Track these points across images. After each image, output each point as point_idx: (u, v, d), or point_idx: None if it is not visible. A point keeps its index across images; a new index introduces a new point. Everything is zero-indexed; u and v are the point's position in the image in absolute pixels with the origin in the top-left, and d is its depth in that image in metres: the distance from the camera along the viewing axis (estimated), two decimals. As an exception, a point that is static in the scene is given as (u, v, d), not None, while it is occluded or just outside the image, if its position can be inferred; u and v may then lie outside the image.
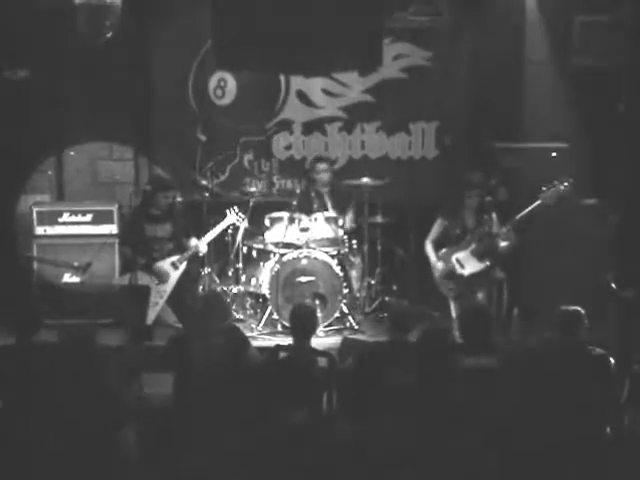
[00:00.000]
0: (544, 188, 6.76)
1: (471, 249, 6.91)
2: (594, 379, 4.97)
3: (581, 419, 4.76)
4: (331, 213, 7.69)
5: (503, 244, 6.84)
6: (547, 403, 4.80)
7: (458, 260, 6.93)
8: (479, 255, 6.89)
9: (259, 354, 5.43)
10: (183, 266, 7.10)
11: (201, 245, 7.17)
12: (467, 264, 6.90)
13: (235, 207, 7.45)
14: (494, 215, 6.96)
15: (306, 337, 5.33)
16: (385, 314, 7.18)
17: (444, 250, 7.05)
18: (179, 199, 7.79)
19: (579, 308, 5.17)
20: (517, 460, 4.59)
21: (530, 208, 6.72)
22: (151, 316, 6.93)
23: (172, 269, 7.08)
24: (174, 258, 7.09)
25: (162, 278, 7.05)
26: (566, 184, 6.75)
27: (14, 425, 4.71)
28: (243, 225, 7.63)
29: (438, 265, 7.02)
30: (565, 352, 5.05)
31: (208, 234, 7.25)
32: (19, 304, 5.39)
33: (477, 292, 6.88)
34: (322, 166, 7.92)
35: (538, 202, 6.72)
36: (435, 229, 7.17)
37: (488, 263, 6.88)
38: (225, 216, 7.38)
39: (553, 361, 5.03)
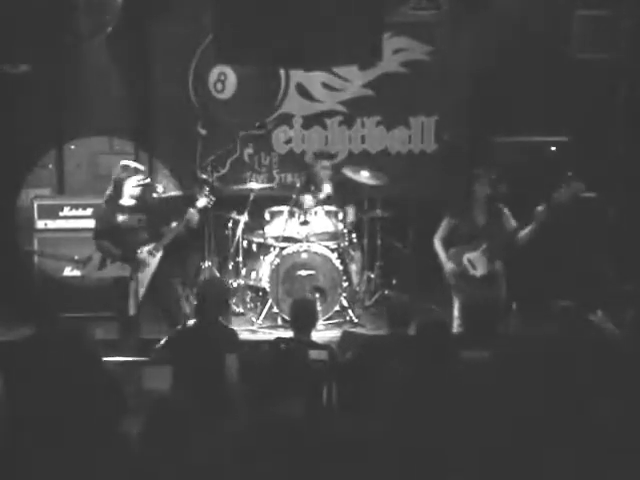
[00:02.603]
0: (558, 188, 6.46)
1: (482, 249, 6.68)
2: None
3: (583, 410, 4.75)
4: (331, 207, 7.71)
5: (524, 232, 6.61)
6: (549, 395, 4.81)
7: (470, 261, 6.69)
8: (491, 254, 6.68)
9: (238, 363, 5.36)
10: (160, 253, 6.85)
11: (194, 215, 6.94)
12: (479, 265, 6.68)
13: (206, 188, 7.15)
14: (506, 210, 6.78)
15: (306, 330, 5.36)
16: (383, 308, 7.22)
17: (454, 249, 6.80)
18: (159, 189, 7.73)
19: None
20: (517, 454, 4.60)
21: (544, 207, 6.46)
22: (133, 306, 6.87)
23: (149, 257, 6.92)
24: (150, 246, 6.86)
25: (139, 267, 6.93)
26: (580, 184, 6.56)
27: (19, 418, 4.74)
28: (243, 219, 7.65)
29: (449, 265, 6.76)
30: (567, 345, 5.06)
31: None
32: (34, 297, 5.40)
33: (487, 292, 6.68)
34: (324, 163, 7.94)
35: (551, 201, 6.45)
36: (443, 227, 6.87)
37: (499, 268, 6.70)
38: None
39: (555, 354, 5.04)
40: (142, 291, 6.84)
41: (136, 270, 6.79)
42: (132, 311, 6.75)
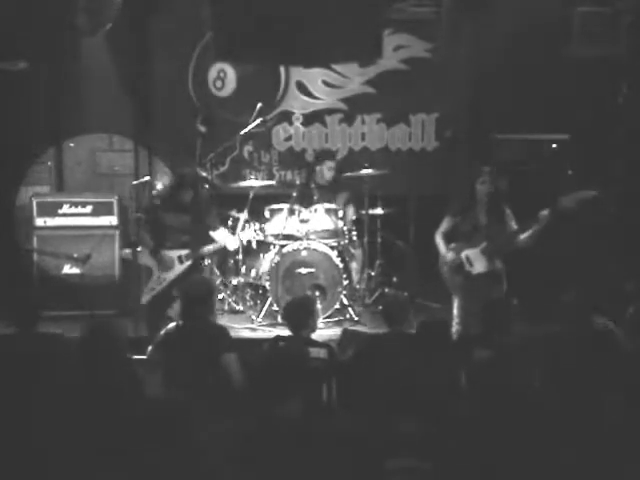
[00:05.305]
0: (565, 193, 6.32)
1: (482, 247, 6.58)
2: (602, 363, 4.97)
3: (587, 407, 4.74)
4: (331, 205, 7.69)
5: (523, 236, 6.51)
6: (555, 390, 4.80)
7: (468, 257, 6.61)
8: (490, 254, 6.58)
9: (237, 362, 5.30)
10: (188, 262, 6.91)
11: (230, 242, 7.07)
12: (477, 262, 6.60)
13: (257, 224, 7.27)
14: (508, 210, 6.67)
15: (304, 329, 5.33)
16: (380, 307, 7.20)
17: (453, 245, 6.72)
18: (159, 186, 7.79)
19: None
20: (516, 452, 4.59)
21: (548, 212, 6.32)
22: (145, 299, 6.88)
23: (177, 261, 6.94)
24: (183, 252, 6.92)
25: (165, 266, 6.93)
26: (589, 192, 6.44)
27: (14, 417, 4.72)
28: (243, 216, 7.62)
29: (448, 256, 6.67)
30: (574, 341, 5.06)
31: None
32: (18, 295, 5.40)
33: (483, 291, 6.49)
34: (328, 164, 7.91)
35: (557, 205, 6.30)
36: (444, 225, 6.80)
37: (500, 266, 6.66)
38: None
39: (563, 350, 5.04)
40: (158, 289, 6.88)
41: (159, 266, 6.87)
42: (143, 300, 6.84)
